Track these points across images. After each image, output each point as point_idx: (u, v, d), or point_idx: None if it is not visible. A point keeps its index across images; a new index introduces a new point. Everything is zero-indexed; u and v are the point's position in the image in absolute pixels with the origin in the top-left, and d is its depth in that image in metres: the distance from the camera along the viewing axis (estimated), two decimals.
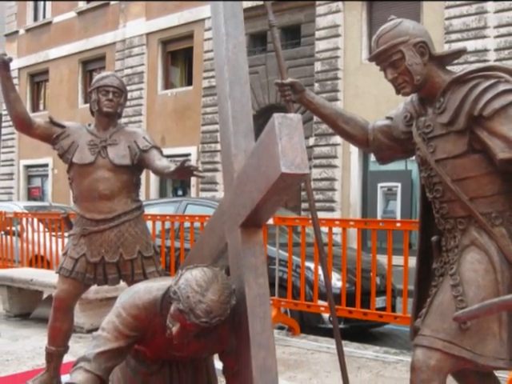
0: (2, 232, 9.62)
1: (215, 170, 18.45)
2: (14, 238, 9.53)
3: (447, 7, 14.72)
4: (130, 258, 4.22)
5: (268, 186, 2.34)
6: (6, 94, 4.08)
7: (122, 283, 4.40)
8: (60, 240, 8.42)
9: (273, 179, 2.29)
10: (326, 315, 6.79)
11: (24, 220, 9.68)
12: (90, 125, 4.38)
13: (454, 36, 14.52)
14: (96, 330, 2.84)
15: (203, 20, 19.20)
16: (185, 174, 3.79)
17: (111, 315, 2.74)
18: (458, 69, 2.85)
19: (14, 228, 9.64)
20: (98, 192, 4.19)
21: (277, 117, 2.28)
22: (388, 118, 3.13)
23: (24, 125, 4.19)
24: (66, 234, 4.99)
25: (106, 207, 4.20)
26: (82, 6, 23.47)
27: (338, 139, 15.70)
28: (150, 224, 7.23)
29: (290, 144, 2.25)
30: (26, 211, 10.77)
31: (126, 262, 4.22)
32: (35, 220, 9.44)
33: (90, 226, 4.21)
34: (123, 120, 17.86)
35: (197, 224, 7.30)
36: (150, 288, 2.79)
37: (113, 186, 4.20)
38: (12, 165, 25.87)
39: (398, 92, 2.86)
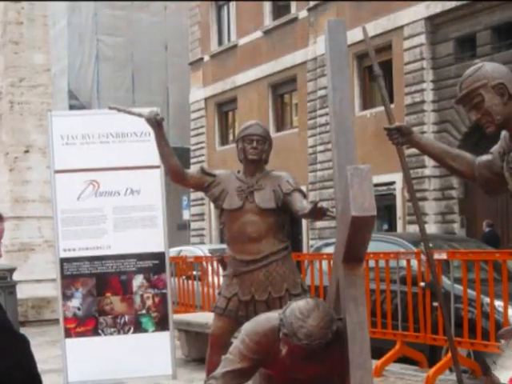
0: (184, 277, 11.23)
1: (424, 198, 18.99)
2: (195, 283, 11.10)
3: None
4: (278, 296, 5.33)
5: (348, 226, 3.34)
6: (161, 150, 5.40)
7: None
8: None
9: (349, 220, 3.29)
10: None
11: (204, 263, 11.23)
12: (239, 171, 5.59)
13: None
14: None
15: (402, 28, 19.96)
16: (318, 215, 4.85)
17: (237, 341, 3.85)
18: None
19: (194, 272, 11.23)
20: (247, 235, 5.36)
21: (349, 168, 3.28)
22: (490, 152, 3.97)
23: (178, 176, 5.48)
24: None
25: (255, 248, 5.35)
26: (269, 24, 25.33)
27: None
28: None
29: (360, 191, 3.24)
30: (208, 255, 12.36)
31: (274, 299, 5.33)
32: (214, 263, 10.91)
33: (240, 266, 5.40)
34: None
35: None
36: (270, 317, 3.86)
37: (260, 229, 5.35)
38: (203, 204, 28.23)
39: (484, 131, 3.72)
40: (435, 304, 7.14)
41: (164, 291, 7.78)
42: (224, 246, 6.77)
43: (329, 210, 4.77)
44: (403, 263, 7.89)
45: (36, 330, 12.05)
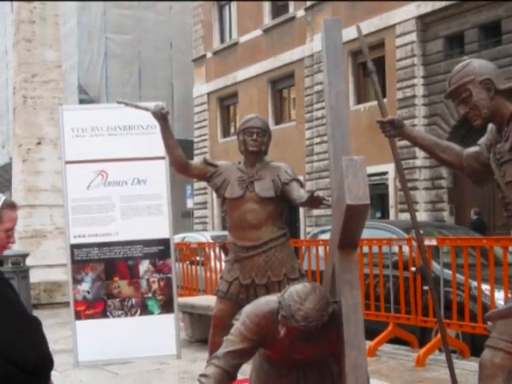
0: (188, 262, 11.25)
1: (415, 188, 19.03)
2: (199, 268, 11.14)
3: None
4: (277, 280, 5.35)
5: (343, 214, 3.34)
6: (166, 142, 5.40)
7: None
8: None
9: (344, 209, 3.28)
10: None
11: (207, 249, 11.25)
12: (239, 162, 5.59)
13: None
14: None
15: (394, 26, 19.98)
16: (315, 204, 4.85)
17: (238, 323, 3.84)
18: None
19: (197, 258, 11.27)
20: (247, 222, 5.38)
21: (344, 159, 3.27)
22: (478, 144, 3.97)
23: (182, 167, 5.49)
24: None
25: (255, 235, 5.37)
26: (268, 22, 25.38)
27: None
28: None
29: (354, 181, 3.23)
30: (211, 241, 12.38)
31: (273, 283, 5.35)
32: (216, 249, 10.94)
33: (241, 252, 5.41)
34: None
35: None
36: (269, 300, 3.86)
37: (260, 216, 5.37)
38: (205, 193, 28.34)
39: (472, 124, 3.72)
40: (426, 288, 7.16)
41: (169, 276, 7.81)
42: (226, 232, 6.80)
43: (325, 199, 4.77)
44: (395, 249, 7.91)
45: (48, 312, 12.07)
